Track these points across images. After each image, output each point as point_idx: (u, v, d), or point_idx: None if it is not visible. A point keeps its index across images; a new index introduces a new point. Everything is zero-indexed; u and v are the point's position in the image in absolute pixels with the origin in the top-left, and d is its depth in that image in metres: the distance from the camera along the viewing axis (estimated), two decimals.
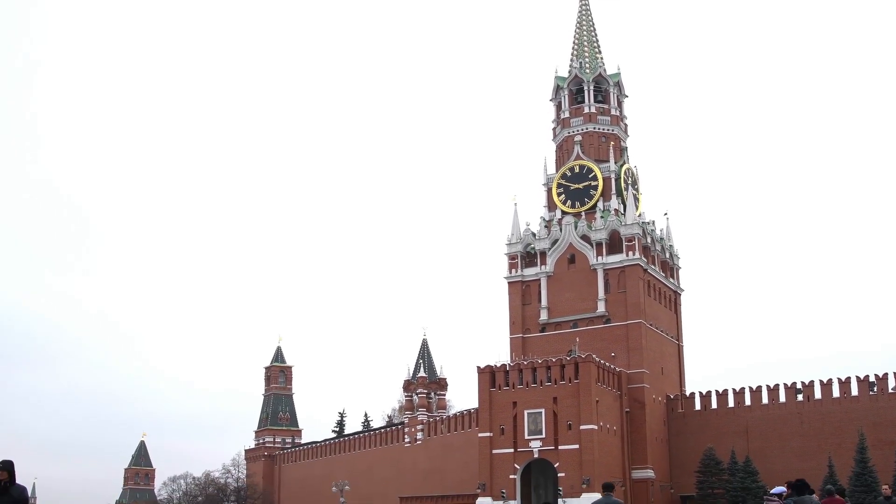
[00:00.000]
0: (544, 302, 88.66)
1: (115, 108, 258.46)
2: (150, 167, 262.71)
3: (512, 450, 76.26)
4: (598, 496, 73.74)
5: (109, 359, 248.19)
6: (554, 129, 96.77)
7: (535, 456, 75.59)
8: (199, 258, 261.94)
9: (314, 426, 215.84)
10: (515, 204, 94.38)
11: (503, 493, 75.19)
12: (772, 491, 18.74)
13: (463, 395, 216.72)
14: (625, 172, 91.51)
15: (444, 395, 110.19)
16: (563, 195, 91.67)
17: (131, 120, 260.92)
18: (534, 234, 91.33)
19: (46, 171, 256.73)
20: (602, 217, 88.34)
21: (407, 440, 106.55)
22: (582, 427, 73.51)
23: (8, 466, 11.90)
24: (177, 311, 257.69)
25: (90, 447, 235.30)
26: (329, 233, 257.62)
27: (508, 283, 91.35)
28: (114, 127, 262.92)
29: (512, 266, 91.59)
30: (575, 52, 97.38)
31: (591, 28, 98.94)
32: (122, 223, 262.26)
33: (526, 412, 76.18)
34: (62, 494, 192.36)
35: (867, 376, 79.40)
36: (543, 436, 75.00)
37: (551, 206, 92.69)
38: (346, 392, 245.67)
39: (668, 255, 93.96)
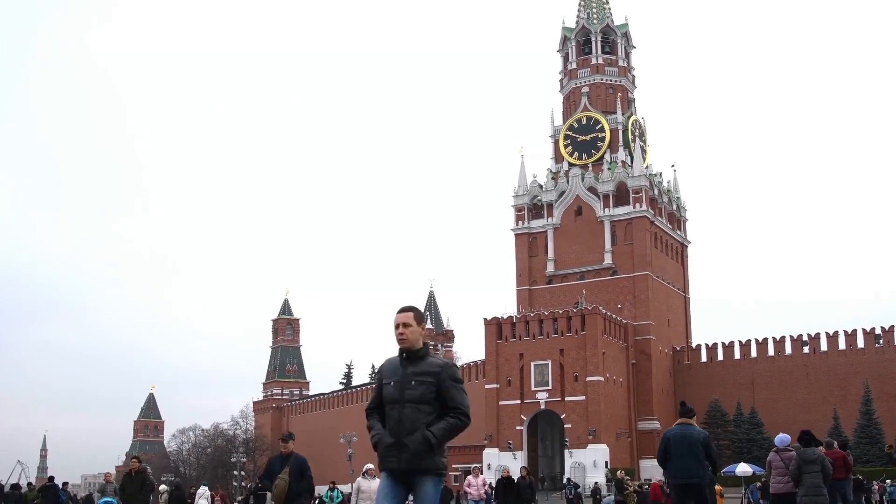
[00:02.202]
0: (551, 254, 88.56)
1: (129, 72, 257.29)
2: (163, 128, 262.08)
3: (518, 401, 76.78)
4: (603, 447, 73.44)
5: (119, 314, 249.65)
6: (561, 80, 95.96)
7: (542, 407, 76.08)
8: (206, 212, 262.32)
9: (322, 378, 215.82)
10: (522, 156, 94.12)
11: (510, 443, 75.74)
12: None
13: (470, 347, 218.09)
14: (632, 124, 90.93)
15: (451, 346, 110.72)
16: (570, 147, 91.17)
17: (154, 76, 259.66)
18: (541, 186, 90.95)
19: (83, 129, 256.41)
20: (609, 169, 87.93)
21: None
22: (588, 379, 73.91)
23: None
24: (184, 266, 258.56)
25: (100, 399, 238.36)
26: (337, 185, 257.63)
27: (515, 234, 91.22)
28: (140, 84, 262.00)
29: (519, 218, 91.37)
30: (582, 3, 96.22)
31: None
32: (139, 181, 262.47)
33: (532, 364, 76.55)
34: (73, 446, 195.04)
35: (873, 328, 79.53)
36: (550, 387, 75.46)
37: (558, 157, 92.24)
38: (354, 344, 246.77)
39: (674, 207, 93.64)
